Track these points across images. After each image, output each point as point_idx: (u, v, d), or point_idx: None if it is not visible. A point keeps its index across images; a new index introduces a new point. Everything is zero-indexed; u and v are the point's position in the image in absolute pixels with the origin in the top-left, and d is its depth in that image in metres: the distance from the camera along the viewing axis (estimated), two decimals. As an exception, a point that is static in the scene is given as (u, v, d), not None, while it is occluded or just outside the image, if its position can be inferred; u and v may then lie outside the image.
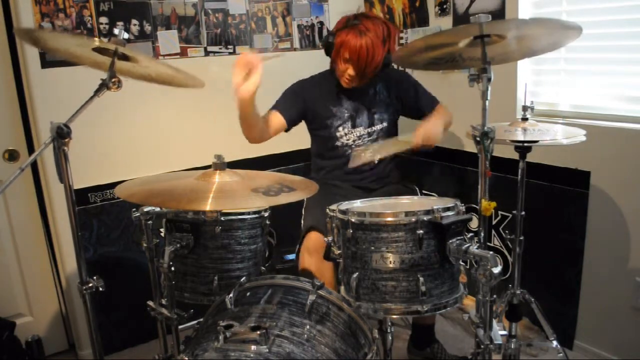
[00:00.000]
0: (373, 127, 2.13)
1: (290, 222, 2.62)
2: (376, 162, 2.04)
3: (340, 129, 2.10)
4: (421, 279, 1.31)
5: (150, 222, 1.58)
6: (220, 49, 2.48)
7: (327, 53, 2.06)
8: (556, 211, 2.16)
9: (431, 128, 1.88)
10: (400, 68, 2.43)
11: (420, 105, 2.18)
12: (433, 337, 2.19)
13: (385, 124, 2.15)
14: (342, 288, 1.47)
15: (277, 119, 2.04)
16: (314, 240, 1.89)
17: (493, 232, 2.43)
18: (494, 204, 1.32)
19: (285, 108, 2.06)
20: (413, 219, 1.31)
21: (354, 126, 2.10)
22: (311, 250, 1.88)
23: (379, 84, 2.14)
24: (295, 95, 2.09)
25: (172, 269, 1.41)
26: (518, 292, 1.94)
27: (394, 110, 2.17)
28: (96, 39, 1.38)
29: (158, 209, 1.57)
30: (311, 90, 2.10)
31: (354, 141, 2.11)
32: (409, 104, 2.18)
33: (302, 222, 2.09)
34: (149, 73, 1.55)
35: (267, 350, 1.11)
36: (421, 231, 1.31)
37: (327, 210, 1.51)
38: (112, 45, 1.36)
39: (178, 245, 1.48)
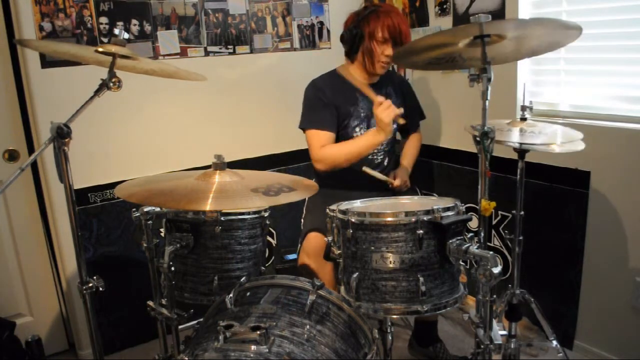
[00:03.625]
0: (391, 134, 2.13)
1: (290, 222, 2.62)
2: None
3: (357, 129, 2.09)
4: (421, 279, 1.31)
5: (150, 222, 1.58)
6: (220, 49, 2.48)
7: (352, 47, 2.05)
8: (556, 211, 2.16)
9: (406, 179, 2.14)
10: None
11: (414, 117, 2.28)
12: (436, 335, 2.19)
13: (395, 125, 2.16)
14: (342, 288, 1.47)
15: (330, 137, 2.05)
16: (313, 240, 1.90)
17: (493, 232, 2.43)
18: (493, 204, 1.32)
19: (327, 121, 2.05)
20: (413, 219, 1.31)
21: (369, 126, 2.10)
22: (310, 252, 1.89)
23: (389, 86, 2.17)
24: (322, 102, 2.06)
25: (172, 269, 1.41)
26: (518, 292, 1.94)
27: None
28: (99, 48, 1.39)
29: (158, 209, 1.57)
30: (330, 90, 2.08)
31: None
32: (408, 112, 2.20)
33: (302, 222, 2.10)
34: (151, 68, 1.56)
35: (267, 350, 1.11)
36: (421, 231, 1.30)
37: (327, 210, 1.51)
38: (112, 47, 1.37)
39: (178, 245, 1.47)
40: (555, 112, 2.20)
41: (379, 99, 1.88)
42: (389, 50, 2.00)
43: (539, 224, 2.18)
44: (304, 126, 2.09)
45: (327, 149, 2.02)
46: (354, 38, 2.03)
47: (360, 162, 2.10)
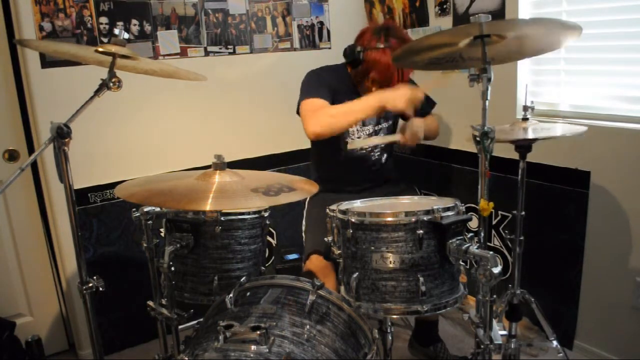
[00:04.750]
0: (380, 125, 2.12)
1: (290, 222, 2.63)
2: (368, 148, 2.09)
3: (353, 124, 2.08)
4: (421, 279, 1.31)
5: (150, 222, 1.58)
6: (220, 49, 2.48)
7: (352, 64, 2.00)
8: (556, 211, 2.16)
9: (416, 129, 1.94)
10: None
11: (422, 107, 2.21)
12: (436, 335, 2.19)
13: (390, 122, 2.16)
14: (342, 288, 1.47)
15: (325, 104, 1.95)
16: (315, 262, 1.89)
17: (493, 232, 2.43)
18: (492, 204, 1.32)
19: (324, 94, 1.97)
20: (413, 219, 1.31)
21: (363, 124, 2.09)
22: (313, 275, 1.87)
23: None
24: (322, 83, 2.01)
25: (172, 269, 1.41)
26: (518, 292, 1.94)
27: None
28: (99, 48, 1.39)
29: (158, 209, 1.57)
30: (330, 80, 2.04)
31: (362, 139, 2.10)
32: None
33: (304, 239, 2.09)
34: (151, 68, 1.56)
35: (267, 350, 1.11)
36: (421, 231, 1.30)
37: (327, 210, 1.51)
38: (112, 47, 1.37)
39: (178, 245, 1.47)
40: (555, 112, 2.19)
41: (421, 94, 1.83)
42: (375, 88, 1.95)
43: (539, 224, 2.18)
44: (299, 102, 2.00)
45: (320, 110, 1.91)
46: (354, 60, 1.96)
47: (358, 168, 2.10)
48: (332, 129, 1.86)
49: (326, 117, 1.86)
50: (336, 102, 2.02)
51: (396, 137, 1.98)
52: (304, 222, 2.13)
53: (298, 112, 2.04)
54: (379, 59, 1.90)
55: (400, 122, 2.05)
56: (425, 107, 2.23)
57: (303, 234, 2.10)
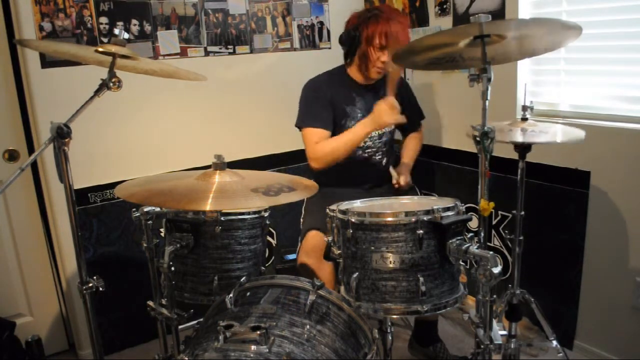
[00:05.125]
0: (382, 129, 2.13)
1: (290, 222, 2.63)
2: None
3: None
4: (421, 279, 1.31)
5: (150, 222, 1.58)
6: (220, 49, 2.48)
7: (350, 49, 2.05)
8: (556, 211, 2.16)
9: (409, 178, 2.13)
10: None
11: (412, 117, 2.26)
12: (436, 335, 2.19)
13: (392, 126, 2.16)
14: (342, 288, 1.47)
15: (325, 135, 2.04)
16: (312, 239, 1.90)
17: (493, 232, 2.43)
18: (492, 204, 1.32)
19: (323, 119, 2.04)
20: (413, 219, 1.31)
21: None
22: (309, 251, 1.90)
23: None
24: (319, 99, 2.07)
25: (172, 269, 1.40)
26: (518, 292, 1.94)
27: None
28: (99, 48, 1.39)
29: (158, 209, 1.57)
30: (327, 89, 2.08)
31: (364, 142, 2.10)
32: (407, 113, 2.21)
33: (301, 222, 2.10)
34: (151, 68, 1.56)
35: (267, 350, 1.11)
36: (421, 231, 1.30)
37: (327, 210, 1.51)
38: (112, 47, 1.37)
39: (178, 245, 1.47)
40: (555, 112, 2.20)
41: (391, 98, 1.90)
42: (384, 57, 1.99)
43: (539, 224, 2.18)
44: (300, 124, 2.09)
45: (319, 145, 2.02)
46: (352, 40, 2.02)
47: (358, 170, 2.11)
48: (334, 160, 1.99)
49: (326, 153, 1.99)
50: (337, 110, 2.06)
51: (394, 178, 2.11)
52: (302, 211, 2.15)
53: (296, 126, 2.10)
54: (375, 27, 1.95)
55: (395, 171, 2.15)
56: (413, 121, 2.29)
57: (301, 226, 2.11)
